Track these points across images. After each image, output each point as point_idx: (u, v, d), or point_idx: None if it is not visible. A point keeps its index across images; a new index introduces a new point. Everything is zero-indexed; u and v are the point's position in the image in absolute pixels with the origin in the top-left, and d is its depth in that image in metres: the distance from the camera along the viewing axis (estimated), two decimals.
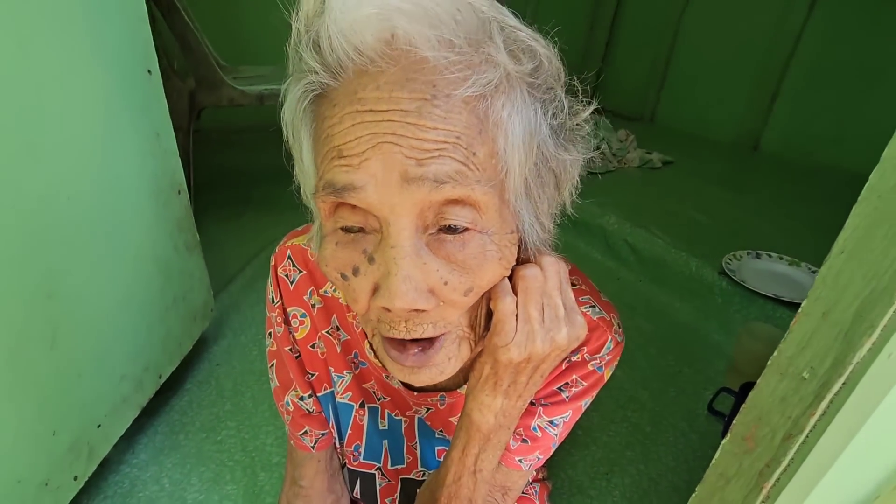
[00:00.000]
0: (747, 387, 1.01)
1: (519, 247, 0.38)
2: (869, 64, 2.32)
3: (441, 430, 0.56)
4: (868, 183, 0.35)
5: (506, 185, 0.35)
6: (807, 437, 0.42)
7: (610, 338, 0.48)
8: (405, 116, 0.30)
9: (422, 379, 0.39)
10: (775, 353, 0.44)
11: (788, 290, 1.33)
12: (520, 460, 0.50)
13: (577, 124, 0.39)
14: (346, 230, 0.35)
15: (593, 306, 0.49)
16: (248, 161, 2.58)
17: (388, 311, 0.34)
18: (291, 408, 0.55)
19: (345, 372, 0.55)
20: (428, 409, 0.55)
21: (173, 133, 0.93)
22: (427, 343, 0.38)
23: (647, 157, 2.44)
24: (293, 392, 0.55)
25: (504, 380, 0.40)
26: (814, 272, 1.43)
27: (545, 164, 0.37)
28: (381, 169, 0.31)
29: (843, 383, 0.39)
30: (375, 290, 0.34)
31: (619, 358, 0.51)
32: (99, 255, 0.77)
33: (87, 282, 0.75)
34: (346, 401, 0.56)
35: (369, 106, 0.31)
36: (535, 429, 0.50)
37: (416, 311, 0.34)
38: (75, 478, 0.74)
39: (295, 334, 0.53)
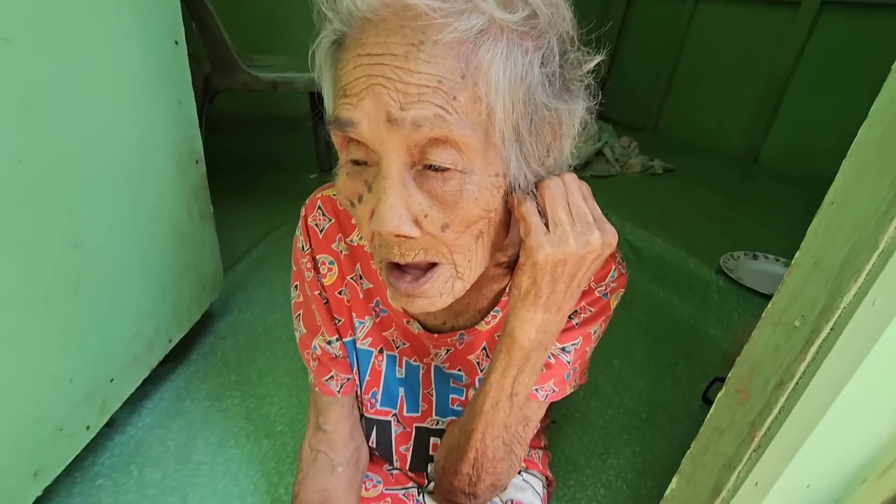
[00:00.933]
0: None
1: (508, 192, 0.40)
2: (870, 79, 2.37)
3: (459, 369, 0.58)
4: (857, 137, 0.38)
5: (491, 128, 0.36)
6: (797, 383, 0.45)
7: (614, 267, 0.52)
8: (394, 60, 0.34)
9: (415, 308, 0.43)
10: (769, 306, 0.47)
11: None
12: (536, 389, 0.53)
13: (580, 76, 0.41)
14: (355, 162, 0.39)
15: None
16: (256, 149, 2.61)
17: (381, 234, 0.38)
18: (319, 352, 0.58)
19: (366, 318, 0.58)
20: (448, 351, 0.57)
21: (194, 101, 0.96)
22: (421, 273, 0.42)
23: (648, 164, 2.48)
24: (320, 337, 0.57)
25: (543, 289, 0.42)
26: None
27: (537, 111, 0.38)
28: (372, 108, 0.35)
29: (831, 329, 0.42)
30: (373, 215, 0.38)
31: (623, 288, 0.54)
32: (121, 211, 0.79)
33: (110, 236, 0.77)
34: (366, 346, 0.59)
35: (368, 50, 0.35)
36: (549, 358, 0.53)
37: (404, 236, 0.38)
38: (87, 427, 0.76)
39: (323, 280, 0.56)
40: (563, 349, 0.53)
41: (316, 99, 2.09)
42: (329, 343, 0.57)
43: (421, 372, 0.60)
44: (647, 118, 3.45)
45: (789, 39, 2.62)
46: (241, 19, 2.58)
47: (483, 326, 0.55)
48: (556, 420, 1.09)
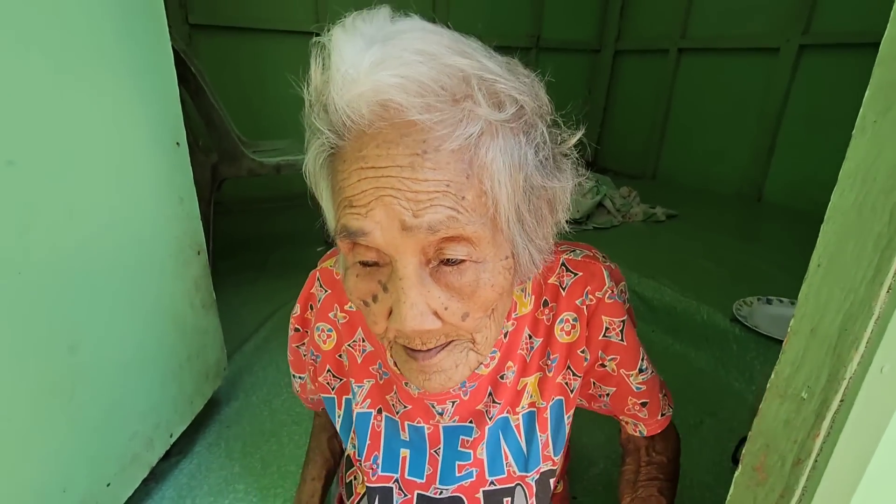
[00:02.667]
0: None
1: (515, 268, 0.44)
2: (855, 112, 2.41)
3: (470, 421, 0.58)
4: (831, 202, 0.38)
5: (497, 217, 0.40)
6: (815, 460, 0.42)
7: (602, 268, 0.54)
8: (401, 171, 0.36)
9: (433, 385, 0.45)
10: (772, 376, 0.45)
11: None
12: (662, 414, 0.59)
13: (564, 153, 0.45)
14: (364, 264, 0.41)
15: (573, 251, 0.55)
16: (264, 229, 2.69)
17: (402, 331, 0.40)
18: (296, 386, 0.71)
19: (365, 381, 0.59)
20: (454, 403, 0.57)
21: (196, 198, 1.00)
22: (438, 348, 0.44)
23: (650, 212, 2.49)
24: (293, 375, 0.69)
25: None
26: None
27: (534, 192, 0.42)
28: (384, 217, 0.36)
29: (841, 400, 0.39)
30: (390, 313, 0.40)
31: (624, 281, 0.57)
32: (120, 310, 0.80)
33: (108, 336, 0.78)
34: (364, 409, 0.59)
35: (371, 163, 0.36)
36: (638, 388, 0.57)
37: (426, 331, 0.40)
38: None
39: (323, 346, 0.61)
40: (639, 370, 0.56)
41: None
42: (294, 377, 0.70)
43: (427, 432, 0.59)
44: (644, 166, 3.50)
45: (774, 82, 2.70)
46: (248, 107, 2.76)
47: (483, 370, 0.56)
48: (578, 496, 1.01)
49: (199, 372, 1.05)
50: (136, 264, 0.84)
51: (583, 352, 0.55)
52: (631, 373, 0.56)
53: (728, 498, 0.49)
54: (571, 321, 0.55)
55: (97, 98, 0.74)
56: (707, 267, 1.81)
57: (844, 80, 2.47)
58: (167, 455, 0.98)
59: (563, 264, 0.55)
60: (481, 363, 0.48)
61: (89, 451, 0.74)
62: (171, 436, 0.97)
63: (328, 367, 0.62)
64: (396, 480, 0.61)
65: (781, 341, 1.40)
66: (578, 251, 0.56)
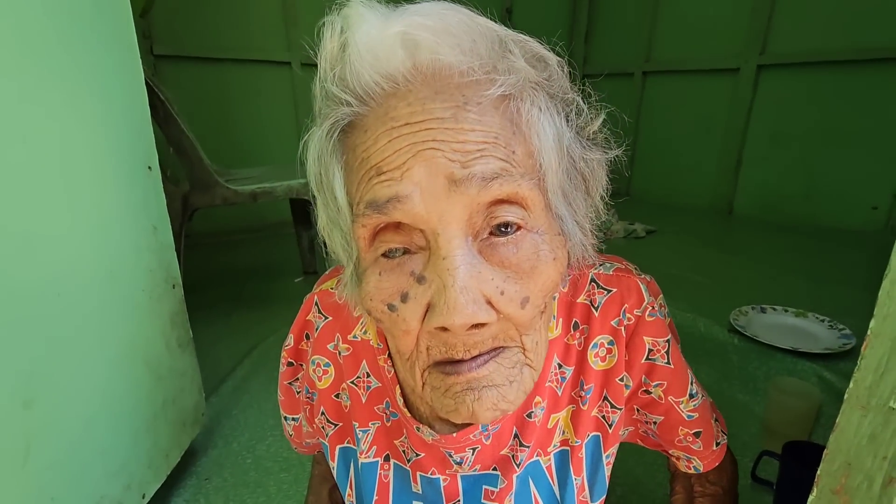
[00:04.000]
0: (792, 447, 0.94)
1: (571, 255, 0.38)
2: (821, 124, 2.53)
3: (494, 468, 0.49)
4: None
5: (545, 184, 0.35)
6: None
7: (638, 280, 0.47)
8: (442, 123, 0.31)
9: (484, 408, 0.35)
10: (851, 385, 0.40)
11: (804, 342, 1.30)
12: (717, 444, 0.51)
13: (594, 130, 0.40)
14: (389, 256, 0.34)
15: (602, 264, 0.48)
16: (236, 261, 2.57)
17: (445, 330, 0.32)
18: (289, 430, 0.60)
19: (370, 424, 0.50)
20: (474, 450, 0.48)
21: (170, 227, 0.92)
22: (484, 356, 0.35)
23: (630, 228, 2.52)
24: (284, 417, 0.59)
25: None
26: (822, 321, 1.41)
27: (574, 165, 0.37)
28: (425, 175, 0.31)
29: None
30: (428, 312, 0.32)
31: (660, 294, 0.50)
32: (85, 356, 0.70)
33: (71, 387, 0.68)
34: (370, 459, 0.50)
35: (404, 120, 0.31)
36: (689, 416, 0.49)
37: (476, 326, 0.32)
38: None
39: (318, 384, 0.52)
40: (690, 396, 0.49)
41: (292, 204, 2.10)
42: (285, 419, 0.59)
43: (443, 484, 0.50)
44: (618, 185, 3.56)
45: (737, 101, 2.82)
46: (215, 137, 2.67)
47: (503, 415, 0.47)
48: None
49: (176, 420, 0.95)
50: (104, 301, 0.74)
51: (622, 379, 0.48)
52: (681, 399, 0.49)
53: None
54: (606, 345, 0.47)
55: (60, 120, 0.67)
56: (694, 279, 1.81)
57: (801, 97, 2.60)
58: None
59: (592, 280, 0.48)
60: (535, 380, 0.39)
61: None
62: (143, 497, 0.85)
63: (322, 409, 0.53)
64: None
65: (781, 349, 1.38)
66: (609, 264, 0.49)
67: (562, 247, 0.36)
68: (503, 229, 0.33)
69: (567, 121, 0.37)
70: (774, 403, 1.09)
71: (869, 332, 0.38)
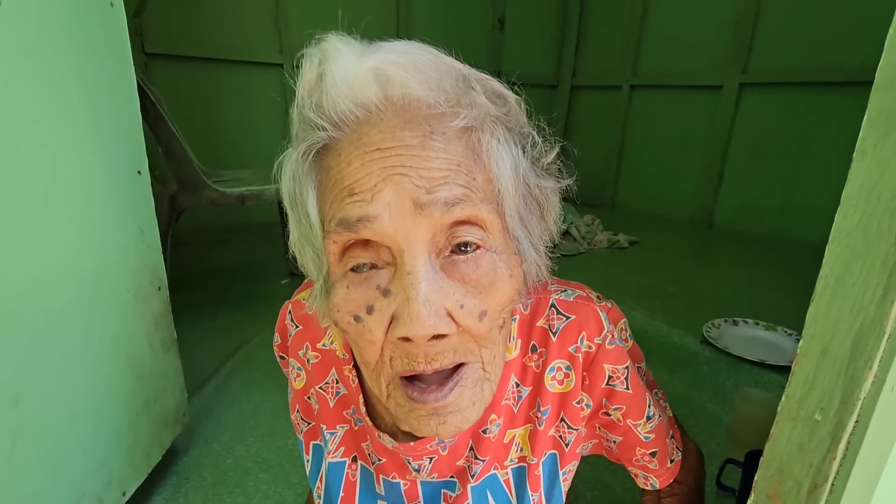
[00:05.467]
0: (753, 455, 0.98)
1: (527, 275, 0.41)
2: (798, 141, 2.62)
3: (452, 476, 0.52)
4: (835, 223, 0.38)
5: (503, 209, 0.38)
6: (833, 484, 0.41)
7: (598, 308, 0.48)
8: (410, 150, 0.34)
9: (448, 430, 0.38)
10: (783, 399, 0.44)
11: (771, 354, 1.35)
12: (671, 461, 0.55)
13: (549, 162, 0.44)
14: (357, 271, 0.36)
15: (564, 290, 0.50)
16: (222, 261, 2.56)
17: (408, 340, 0.35)
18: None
19: (338, 427, 0.53)
20: (431, 459, 0.51)
21: (157, 229, 0.94)
22: (445, 378, 0.38)
23: (614, 239, 2.57)
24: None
25: None
26: (790, 335, 1.47)
27: (529, 192, 0.41)
28: (394, 197, 0.33)
29: (856, 421, 0.39)
30: (392, 323, 0.35)
31: (623, 318, 0.52)
32: (70, 355, 0.72)
33: (56, 385, 0.69)
34: (337, 458, 0.53)
35: (375, 146, 0.34)
36: (646, 437, 0.52)
37: (437, 337, 0.35)
38: None
39: (293, 384, 0.55)
40: (647, 418, 0.51)
41: (280, 206, 2.11)
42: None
43: (404, 488, 0.53)
44: (603, 194, 3.64)
45: (719, 116, 2.90)
46: (205, 137, 2.67)
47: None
48: None
49: (158, 419, 0.96)
50: (89, 302, 0.76)
51: (578, 402, 0.49)
52: (639, 422, 0.51)
53: None
54: (564, 370, 0.48)
55: (49, 124, 0.69)
56: (672, 291, 1.87)
57: (780, 115, 2.68)
58: None
59: (552, 305, 0.49)
60: (492, 393, 0.42)
61: None
62: (123, 494, 0.86)
63: (297, 406, 0.56)
64: None
65: (751, 361, 1.44)
66: (570, 291, 0.50)
67: (518, 265, 0.39)
68: (463, 248, 0.36)
69: (524, 152, 0.40)
70: (739, 413, 1.14)
71: (798, 351, 0.42)
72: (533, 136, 0.42)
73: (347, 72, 0.35)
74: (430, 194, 0.33)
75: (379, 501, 0.53)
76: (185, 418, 1.11)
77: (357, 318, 0.36)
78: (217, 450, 1.21)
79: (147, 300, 0.91)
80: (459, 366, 0.39)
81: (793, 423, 0.43)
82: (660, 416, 0.53)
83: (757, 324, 1.53)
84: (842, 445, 0.39)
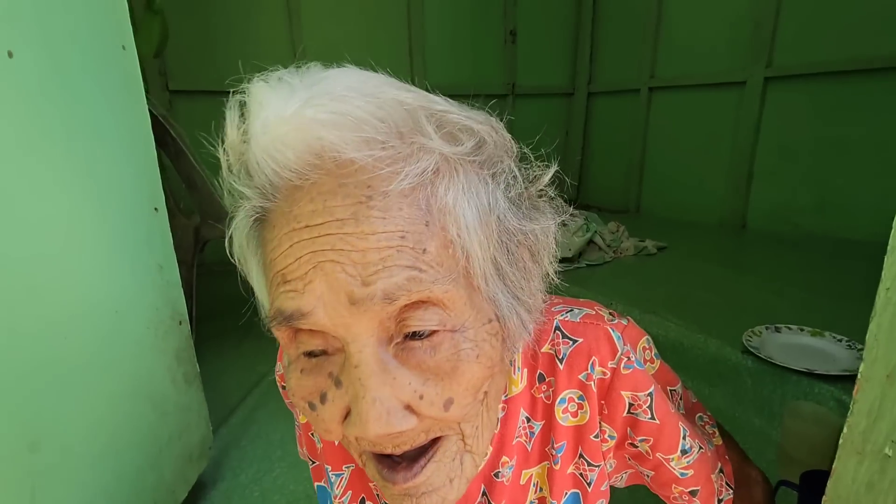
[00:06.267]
0: (809, 476, 0.90)
1: (507, 337, 0.36)
2: (831, 134, 2.50)
3: None
4: (890, 243, 0.34)
5: (472, 272, 0.32)
6: None
7: (609, 328, 0.43)
8: (342, 227, 0.29)
9: None
10: (845, 430, 0.39)
11: (821, 363, 1.26)
12: (720, 501, 0.48)
13: (540, 190, 0.38)
14: (310, 354, 0.33)
15: (570, 310, 0.45)
16: (247, 289, 2.60)
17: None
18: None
19: (344, 467, 0.49)
20: None
21: (176, 265, 0.94)
22: (419, 454, 0.34)
23: (641, 245, 2.49)
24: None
25: None
26: (839, 341, 1.37)
27: (511, 238, 0.35)
28: (326, 290, 0.29)
29: None
30: (347, 416, 0.31)
31: (644, 336, 0.45)
32: (91, 395, 0.72)
33: (76, 428, 0.69)
34: (346, 503, 0.49)
35: (304, 221, 0.29)
36: (682, 474, 0.45)
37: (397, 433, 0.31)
38: None
39: (298, 417, 0.52)
40: (683, 452, 0.44)
41: None
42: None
43: None
44: (627, 201, 3.55)
45: (745, 114, 2.80)
46: None
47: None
48: None
49: (182, 455, 0.95)
50: (109, 341, 0.76)
51: (597, 436, 0.44)
52: (671, 456, 0.44)
53: None
54: (577, 400, 0.44)
55: (65, 168, 0.70)
56: (706, 298, 1.78)
57: (809, 109, 2.57)
58: None
59: (557, 328, 0.44)
60: (478, 466, 0.38)
61: None
62: None
63: (304, 442, 0.53)
64: None
65: (797, 371, 1.33)
66: (577, 310, 0.45)
67: (491, 337, 0.34)
68: (418, 334, 0.31)
69: (500, 188, 0.34)
70: (790, 430, 1.06)
71: (859, 377, 0.37)
72: (511, 170, 0.36)
73: (271, 131, 0.29)
74: (366, 286, 0.28)
75: None
76: (211, 451, 1.10)
77: (311, 406, 0.33)
78: (245, 482, 1.20)
79: (168, 336, 0.91)
80: (437, 439, 0.35)
81: (859, 458, 0.38)
82: (700, 448, 0.46)
83: (802, 330, 1.43)
84: None
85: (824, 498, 0.41)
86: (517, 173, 0.36)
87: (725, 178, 2.95)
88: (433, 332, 0.31)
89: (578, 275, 2.16)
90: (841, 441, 0.40)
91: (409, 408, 0.31)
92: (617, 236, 2.58)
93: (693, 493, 0.46)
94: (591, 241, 2.46)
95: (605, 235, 2.53)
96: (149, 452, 0.85)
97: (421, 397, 0.31)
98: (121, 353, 0.79)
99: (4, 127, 0.59)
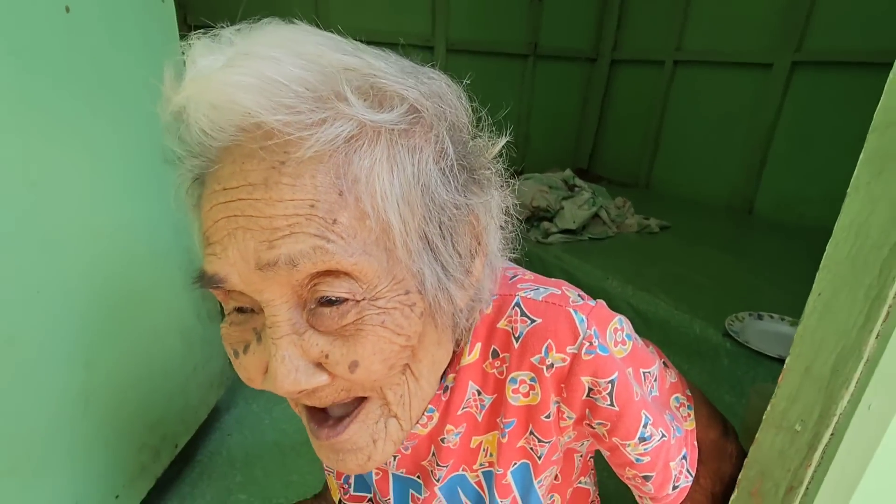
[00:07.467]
0: None
1: (430, 311, 0.35)
2: (852, 128, 2.47)
3: (418, 476, 0.51)
4: (826, 252, 0.41)
5: (392, 243, 0.32)
6: (807, 488, 0.45)
7: (573, 311, 0.40)
8: (252, 192, 0.29)
9: (349, 467, 0.37)
10: (769, 408, 0.48)
11: None
12: (675, 487, 0.47)
13: (486, 163, 0.38)
14: (240, 310, 0.35)
15: (535, 289, 0.43)
16: None
17: None
18: None
19: None
20: (395, 457, 0.50)
21: None
22: (347, 412, 0.36)
23: (644, 223, 2.53)
24: None
25: None
26: None
27: (444, 212, 0.34)
28: (238, 258, 0.30)
29: (832, 434, 0.42)
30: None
31: (616, 318, 0.42)
32: (133, 327, 0.82)
33: (120, 352, 0.79)
34: None
35: (223, 184, 0.30)
36: (638, 460, 0.44)
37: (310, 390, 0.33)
38: None
39: None
40: (641, 438, 0.42)
41: None
42: None
43: (375, 478, 0.53)
44: (638, 175, 3.55)
45: (766, 98, 2.75)
46: None
47: (421, 430, 0.46)
48: None
49: (204, 382, 1.07)
50: (148, 279, 0.85)
51: (548, 416, 0.43)
52: (628, 442, 0.43)
53: None
54: (528, 382, 0.42)
55: (118, 114, 0.76)
56: (700, 281, 1.85)
57: (834, 99, 2.53)
58: (170, 463, 0.99)
59: (517, 304, 0.42)
60: (406, 430, 0.39)
61: (100, 464, 0.76)
62: (175, 446, 0.98)
63: None
64: (370, 500, 0.56)
65: (771, 357, 1.44)
66: (542, 289, 0.43)
67: (405, 307, 0.33)
68: (330, 301, 0.31)
69: (435, 160, 0.33)
70: (754, 408, 1.16)
71: (785, 367, 0.45)
72: (445, 141, 0.34)
73: (200, 91, 0.29)
74: (271, 251, 0.29)
75: (356, 483, 0.55)
76: (228, 381, 1.22)
77: (235, 353, 0.35)
78: (256, 411, 1.33)
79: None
80: (363, 400, 0.36)
81: (776, 431, 0.47)
82: (663, 436, 0.44)
83: (783, 319, 1.51)
84: (817, 454, 0.43)
85: (746, 461, 0.50)
86: (449, 144, 0.34)
87: (739, 162, 2.94)
88: (344, 301, 0.32)
89: (581, 247, 2.22)
90: (765, 417, 0.48)
91: (319, 366, 0.33)
92: (622, 212, 2.62)
93: (647, 478, 0.46)
94: (595, 215, 2.50)
95: (611, 210, 2.57)
96: (178, 378, 0.96)
97: (327, 356, 0.32)
98: (157, 292, 0.88)
99: (68, 78, 0.65)
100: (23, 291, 0.60)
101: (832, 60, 2.50)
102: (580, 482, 0.55)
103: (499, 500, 0.47)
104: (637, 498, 0.50)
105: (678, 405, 0.50)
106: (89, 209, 0.72)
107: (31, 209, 0.60)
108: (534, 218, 2.36)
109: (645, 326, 1.68)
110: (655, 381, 0.47)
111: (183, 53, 0.32)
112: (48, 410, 0.65)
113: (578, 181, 2.52)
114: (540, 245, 2.16)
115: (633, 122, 3.56)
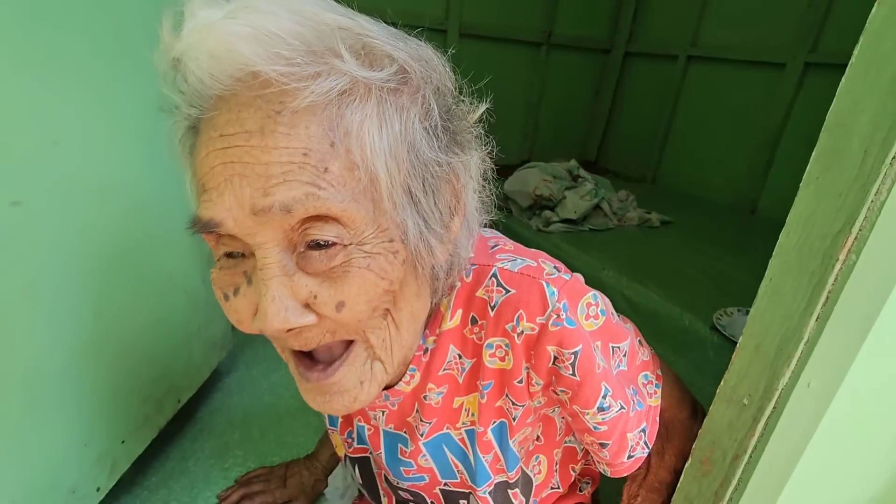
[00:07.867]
0: None
1: (411, 259, 0.37)
2: None
3: (405, 431, 0.54)
4: (778, 241, 0.44)
5: (378, 194, 0.34)
6: (750, 456, 0.49)
7: (545, 283, 0.43)
8: (249, 139, 0.31)
9: (335, 407, 0.39)
10: (722, 383, 0.52)
11: None
12: (630, 456, 0.51)
13: (468, 126, 0.40)
14: (230, 255, 0.37)
15: (513, 259, 0.46)
16: None
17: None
18: None
19: None
20: (384, 412, 0.54)
21: None
22: (335, 357, 0.39)
23: (645, 217, 2.55)
24: None
25: None
26: None
27: (427, 169, 0.36)
28: (234, 204, 0.32)
29: (774, 407, 0.46)
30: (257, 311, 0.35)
31: (590, 293, 0.45)
32: (140, 282, 0.87)
33: (129, 305, 0.84)
34: None
35: (220, 130, 0.32)
36: (596, 428, 0.48)
37: (298, 328, 0.35)
38: (98, 489, 0.80)
39: None
40: (599, 408, 0.46)
41: None
42: None
43: (368, 433, 0.57)
44: (645, 170, 3.55)
45: (778, 98, 2.74)
46: None
47: (404, 387, 0.50)
48: None
49: (207, 342, 1.12)
50: (156, 241, 0.90)
51: (521, 381, 0.46)
52: (587, 411, 0.46)
53: (678, 485, 0.56)
54: (504, 347, 0.45)
55: (134, 77, 0.80)
56: (694, 275, 1.88)
57: None
58: (173, 418, 1.05)
59: (494, 275, 0.45)
60: (389, 373, 0.41)
61: (109, 410, 0.81)
62: (178, 401, 1.04)
63: None
64: (371, 452, 0.60)
65: None
66: (519, 260, 0.45)
67: (389, 253, 0.35)
68: (320, 244, 0.33)
69: (417, 118, 0.35)
70: None
71: (738, 345, 0.49)
72: (431, 102, 0.36)
73: (197, 41, 0.31)
74: (266, 197, 0.31)
75: (351, 435, 0.60)
76: (229, 345, 1.28)
77: (225, 297, 0.37)
78: (255, 376, 1.39)
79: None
80: (351, 343, 0.39)
81: (727, 404, 0.51)
82: (622, 408, 0.47)
83: None
84: (760, 426, 0.47)
85: (700, 431, 0.54)
86: (435, 105, 0.37)
87: (745, 162, 2.94)
88: (333, 245, 0.34)
89: (580, 237, 2.26)
90: (718, 391, 0.52)
91: (307, 307, 0.35)
92: (624, 205, 2.64)
93: (603, 445, 0.50)
94: (597, 206, 2.53)
95: (613, 202, 2.59)
96: (182, 335, 1.01)
97: (315, 297, 0.34)
98: (164, 252, 0.93)
99: (83, 31, 0.68)
100: (42, 246, 0.65)
101: (846, 63, 2.48)
102: (567, 441, 0.59)
103: (481, 455, 0.52)
104: (595, 462, 0.56)
105: (646, 382, 0.54)
106: (106, 166, 0.76)
107: (49, 165, 0.65)
108: (536, 206, 2.39)
109: (636, 317, 1.72)
110: (625, 356, 0.50)
111: (182, 6, 0.33)
112: (62, 356, 0.70)
113: (582, 172, 2.53)
114: (541, 233, 2.20)
115: (644, 116, 3.55)
